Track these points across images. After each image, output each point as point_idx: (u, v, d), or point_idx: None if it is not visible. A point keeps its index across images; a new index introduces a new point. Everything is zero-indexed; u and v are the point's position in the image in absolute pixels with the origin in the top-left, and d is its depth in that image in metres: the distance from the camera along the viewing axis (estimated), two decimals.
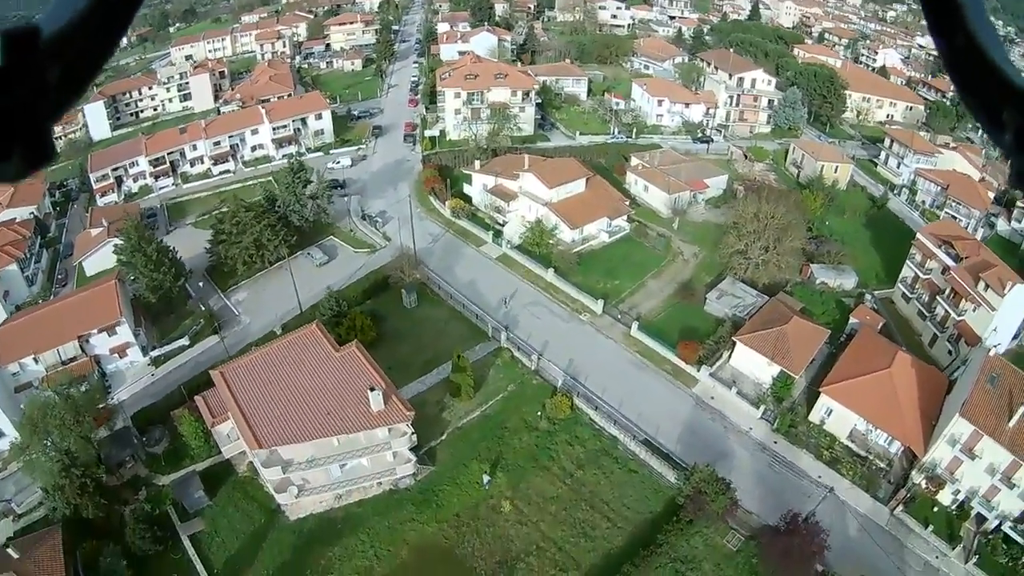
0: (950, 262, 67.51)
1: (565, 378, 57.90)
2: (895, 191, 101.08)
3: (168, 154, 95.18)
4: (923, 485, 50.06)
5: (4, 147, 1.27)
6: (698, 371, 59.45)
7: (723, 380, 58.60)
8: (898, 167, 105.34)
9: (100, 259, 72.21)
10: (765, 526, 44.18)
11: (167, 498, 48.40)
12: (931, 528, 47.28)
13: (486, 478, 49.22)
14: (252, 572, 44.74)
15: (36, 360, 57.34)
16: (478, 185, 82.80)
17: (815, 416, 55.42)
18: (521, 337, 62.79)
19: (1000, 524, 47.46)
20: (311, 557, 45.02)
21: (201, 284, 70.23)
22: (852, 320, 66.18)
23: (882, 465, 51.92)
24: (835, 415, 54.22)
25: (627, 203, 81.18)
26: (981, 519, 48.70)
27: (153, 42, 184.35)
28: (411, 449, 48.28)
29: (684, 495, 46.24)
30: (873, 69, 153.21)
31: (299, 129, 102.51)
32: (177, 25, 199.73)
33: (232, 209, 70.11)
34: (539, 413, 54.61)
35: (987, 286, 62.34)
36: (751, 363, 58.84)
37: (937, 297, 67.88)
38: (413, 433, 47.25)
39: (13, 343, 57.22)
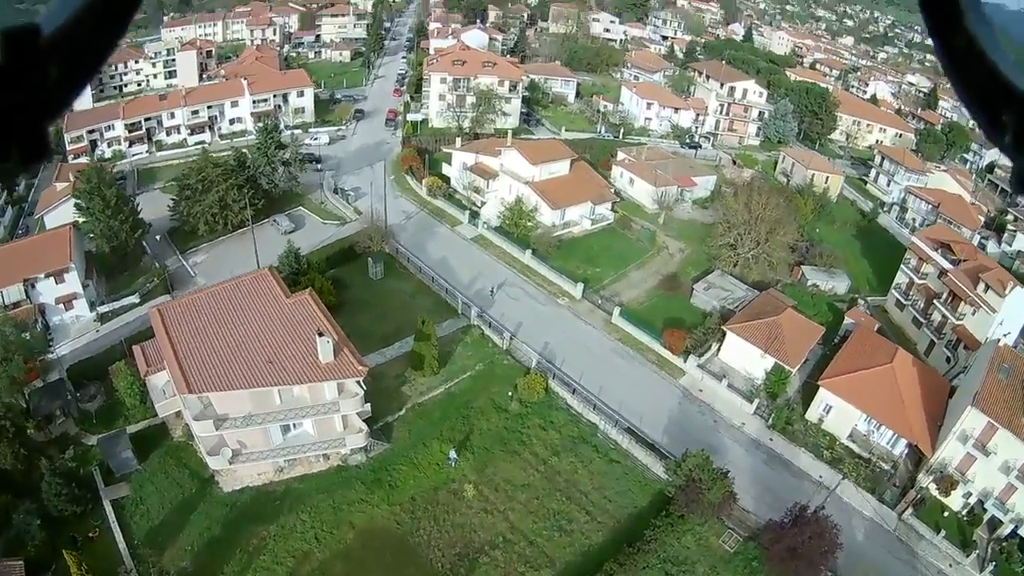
0: (947, 265, 64.59)
1: (539, 360, 52.35)
2: (885, 208, 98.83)
3: (145, 120, 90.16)
4: (932, 488, 45.57)
5: (2, 146, 1.25)
6: (685, 362, 54.59)
7: (712, 373, 53.86)
8: (888, 185, 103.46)
9: (61, 214, 66.60)
10: (769, 520, 38.89)
11: (94, 459, 42.49)
12: (943, 534, 42.67)
13: (452, 454, 43.42)
14: (176, 546, 38.17)
15: None
16: (457, 164, 77.94)
17: (812, 414, 50.81)
18: (493, 317, 57.47)
19: (1016, 529, 43.05)
20: (243, 534, 38.55)
21: (159, 238, 64.95)
22: (847, 320, 62.48)
23: (886, 467, 47.30)
24: (835, 412, 49.63)
25: (612, 190, 76.99)
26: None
27: (147, 28, 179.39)
28: (364, 421, 42.41)
29: (674, 485, 40.82)
30: (863, 99, 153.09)
31: (280, 106, 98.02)
32: (172, 15, 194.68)
33: (199, 164, 65.07)
34: (510, 394, 49.10)
35: (987, 287, 59.30)
36: (742, 356, 54.15)
37: (934, 302, 64.53)
38: (366, 401, 41.45)
39: None
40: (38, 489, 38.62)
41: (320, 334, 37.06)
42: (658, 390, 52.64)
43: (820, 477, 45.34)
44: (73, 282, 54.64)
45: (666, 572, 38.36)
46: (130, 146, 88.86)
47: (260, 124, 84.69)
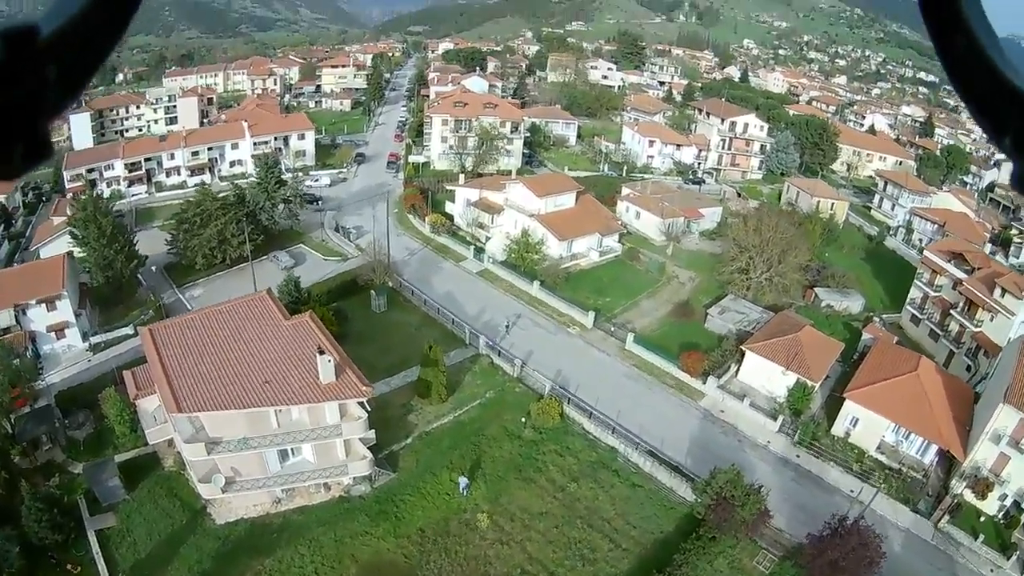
0: (962, 274, 63.68)
1: (552, 386, 50.36)
2: (891, 232, 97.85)
3: (145, 161, 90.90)
4: (966, 494, 43.55)
5: (3, 145, 1.25)
6: (704, 383, 52.50)
7: (733, 393, 51.72)
8: (892, 209, 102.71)
9: (57, 247, 66.51)
10: (808, 535, 36.27)
11: (79, 487, 40.52)
12: (981, 539, 40.48)
13: (463, 481, 40.96)
14: None
15: None
16: (461, 200, 77.72)
17: (838, 428, 48.45)
18: (503, 347, 55.81)
19: None
20: (236, 568, 36.01)
21: (154, 269, 64.54)
22: (865, 336, 60.77)
23: (917, 476, 45.06)
24: (862, 425, 47.39)
25: (619, 222, 76.18)
26: None
27: (148, 80, 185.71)
28: (369, 449, 40.26)
29: (704, 505, 38.27)
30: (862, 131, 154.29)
31: (280, 148, 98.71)
32: (173, 68, 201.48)
33: (198, 198, 65.00)
34: (523, 420, 47.04)
35: (1004, 291, 58.04)
36: (762, 374, 52.13)
37: (950, 312, 63.29)
38: (371, 426, 39.42)
39: None
40: (19, 515, 36.57)
41: (321, 352, 35.43)
42: (678, 413, 50.47)
43: (852, 491, 42.76)
44: (65, 310, 53.58)
45: None
46: (129, 186, 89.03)
47: (260, 161, 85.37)
